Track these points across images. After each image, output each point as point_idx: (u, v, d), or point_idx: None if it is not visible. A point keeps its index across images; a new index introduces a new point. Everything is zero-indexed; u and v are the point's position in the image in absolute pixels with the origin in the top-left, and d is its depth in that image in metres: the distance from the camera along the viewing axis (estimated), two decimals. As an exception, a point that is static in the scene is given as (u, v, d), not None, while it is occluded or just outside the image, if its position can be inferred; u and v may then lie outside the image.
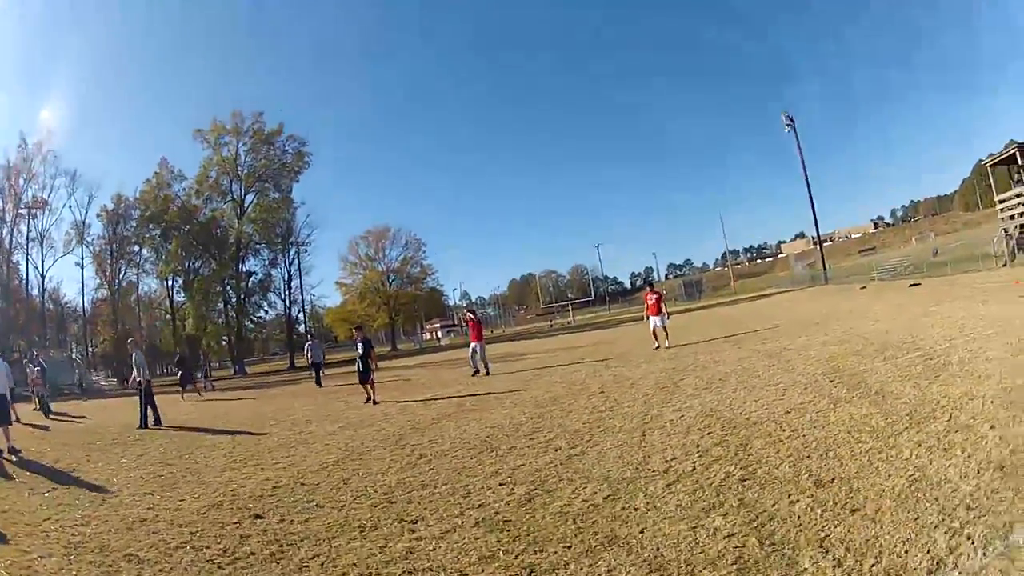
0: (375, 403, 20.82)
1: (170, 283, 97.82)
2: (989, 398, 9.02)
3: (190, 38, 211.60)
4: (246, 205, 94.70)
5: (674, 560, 5.49)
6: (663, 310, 27.10)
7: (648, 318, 27.63)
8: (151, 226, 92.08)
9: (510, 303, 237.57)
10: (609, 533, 6.31)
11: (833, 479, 6.81)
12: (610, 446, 9.97)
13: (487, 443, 11.68)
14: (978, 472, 6.32)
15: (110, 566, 7.23)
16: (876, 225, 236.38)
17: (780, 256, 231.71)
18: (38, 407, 30.09)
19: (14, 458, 15.97)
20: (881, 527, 5.45)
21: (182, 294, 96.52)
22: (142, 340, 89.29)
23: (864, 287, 51.94)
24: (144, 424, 20.61)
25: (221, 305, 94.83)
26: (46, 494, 11.69)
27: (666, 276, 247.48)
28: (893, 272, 61.87)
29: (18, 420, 25.33)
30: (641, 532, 6.20)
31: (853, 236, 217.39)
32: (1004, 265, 40.72)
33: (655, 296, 27.57)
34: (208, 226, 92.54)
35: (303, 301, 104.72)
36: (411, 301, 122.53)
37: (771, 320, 32.75)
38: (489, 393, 19.58)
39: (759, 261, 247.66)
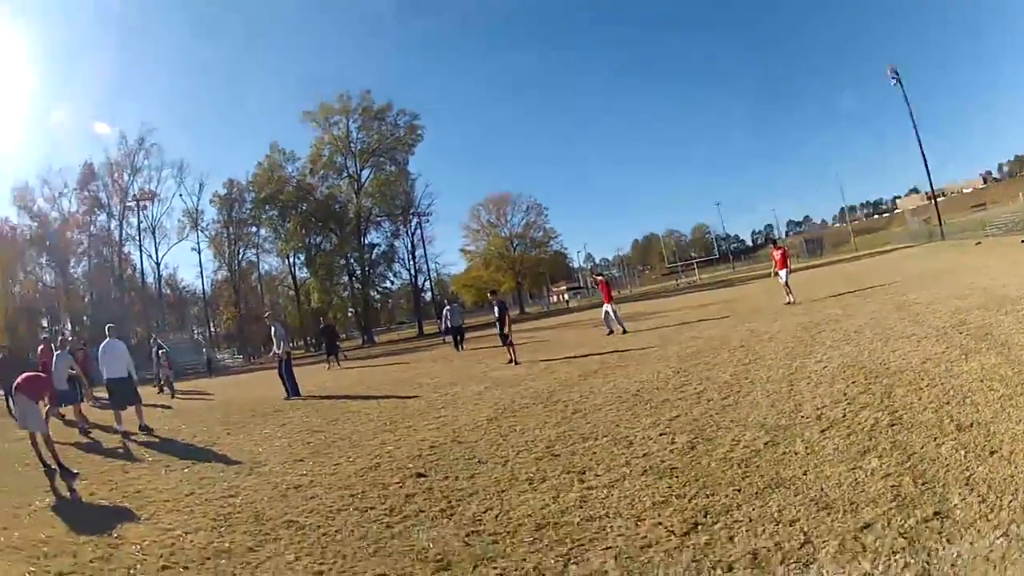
0: (516, 363, 21.15)
1: (291, 260, 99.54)
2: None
3: (287, 23, 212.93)
4: (363, 180, 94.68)
5: (838, 499, 5.68)
6: (788, 265, 27.48)
7: (776, 273, 28.01)
8: (268, 207, 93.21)
9: (634, 263, 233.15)
10: (774, 476, 6.45)
11: (972, 424, 7.00)
12: (760, 396, 10.09)
13: (638, 396, 11.78)
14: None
15: (267, 534, 7.11)
16: (985, 180, 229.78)
17: (896, 212, 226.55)
18: (161, 390, 30.27)
19: (146, 437, 15.70)
20: (1017, 467, 5.70)
21: (304, 270, 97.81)
22: (278, 314, 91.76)
23: (979, 243, 51.10)
24: (291, 395, 20.77)
25: (346, 278, 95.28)
26: (185, 470, 11.35)
27: (786, 233, 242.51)
28: (1005, 228, 60.35)
29: (169, 391, 27.09)
30: (804, 474, 6.37)
31: (965, 191, 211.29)
32: None
33: (780, 252, 28.16)
34: (326, 203, 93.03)
35: (428, 269, 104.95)
36: (536, 265, 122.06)
37: (893, 275, 32.26)
38: (629, 350, 19.77)
39: (875, 217, 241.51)
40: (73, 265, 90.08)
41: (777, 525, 5.38)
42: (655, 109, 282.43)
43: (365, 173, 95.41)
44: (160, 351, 32.18)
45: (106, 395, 17.55)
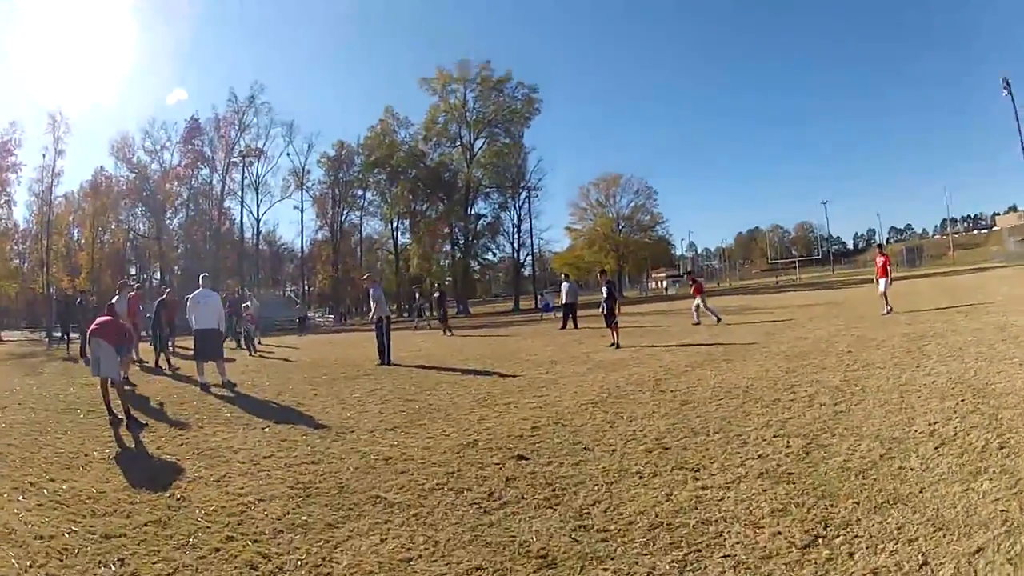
0: (618, 347, 20.92)
1: (395, 225, 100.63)
2: None
3: None
4: (475, 150, 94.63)
5: (953, 520, 5.48)
6: (889, 274, 27.00)
7: (877, 280, 27.48)
8: (376, 171, 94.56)
9: (735, 256, 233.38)
10: (892, 491, 6.23)
11: None
12: (872, 405, 9.83)
13: (748, 393, 11.52)
14: None
15: (351, 509, 6.80)
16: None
17: (994, 229, 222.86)
18: (239, 345, 30.47)
19: (231, 393, 15.47)
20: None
21: (407, 235, 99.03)
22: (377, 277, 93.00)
23: None
24: (386, 360, 20.49)
25: (448, 246, 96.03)
26: (265, 430, 11.10)
27: (888, 240, 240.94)
28: None
29: (253, 350, 27.14)
30: (921, 491, 6.15)
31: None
32: None
33: (883, 259, 27.39)
34: (436, 170, 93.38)
35: (532, 244, 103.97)
36: (639, 249, 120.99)
37: (993, 295, 31.67)
38: (734, 344, 19.66)
39: (975, 232, 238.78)
40: (169, 216, 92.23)
41: (896, 543, 5.16)
42: (773, 103, 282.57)
43: (478, 143, 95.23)
44: (243, 304, 32.14)
45: (192, 345, 17.42)
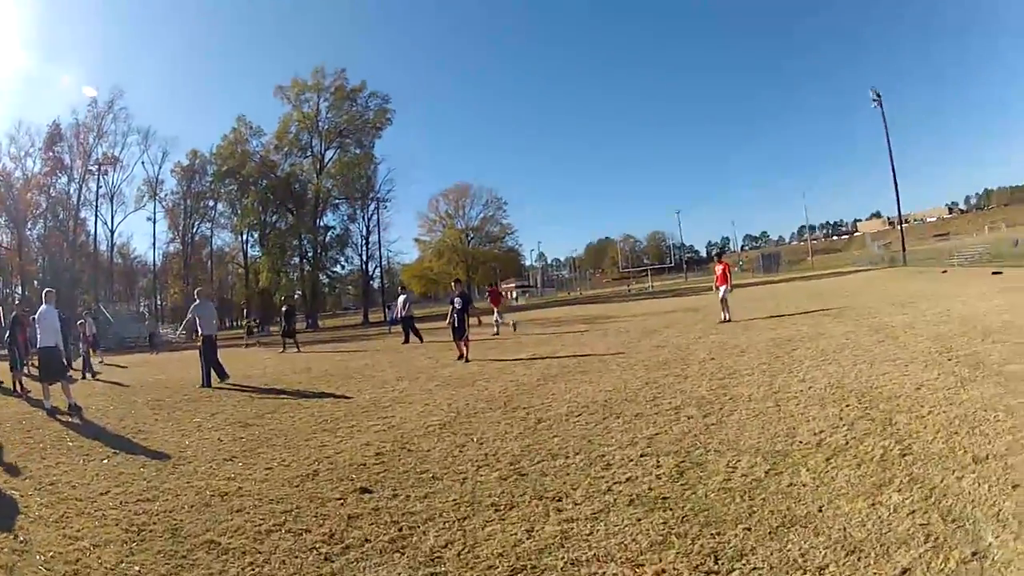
0: (467, 361, 20.03)
1: (245, 237, 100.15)
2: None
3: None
4: (326, 161, 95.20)
5: (866, 540, 5.03)
6: (729, 281, 27.02)
7: (717, 288, 27.41)
8: (228, 181, 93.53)
9: (586, 266, 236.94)
10: (786, 512, 5.67)
11: (987, 456, 6.58)
12: (746, 416, 9.35)
13: (608, 408, 10.91)
14: None
15: (184, 557, 5.93)
16: (950, 210, 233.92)
17: (855, 235, 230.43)
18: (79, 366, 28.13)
19: (76, 419, 14.44)
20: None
21: (257, 248, 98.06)
22: (212, 292, 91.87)
23: (945, 271, 51.69)
24: (207, 383, 19.07)
25: (297, 259, 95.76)
26: (104, 461, 10.24)
27: (742, 247, 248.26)
28: (971, 259, 60.84)
29: (89, 374, 25.50)
30: (820, 510, 5.62)
31: (928, 220, 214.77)
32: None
33: (722, 267, 27.75)
34: (287, 181, 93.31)
35: (380, 256, 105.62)
36: (489, 260, 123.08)
37: (859, 296, 32.20)
38: (591, 355, 18.96)
39: (835, 238, 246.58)
40: (29, 227, 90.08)
41: (804, 574, 4.65)
42: (623, 116, 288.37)
43: (329, 153, 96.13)
44: (80, 322, 30.03)
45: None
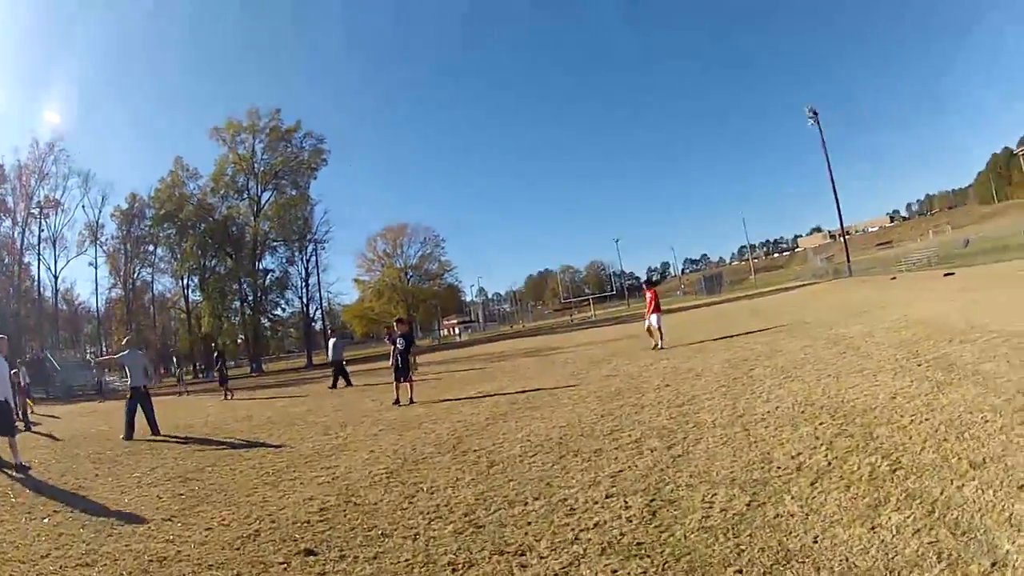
0: (412, 402, 19.41)
1: (185, 282, 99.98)
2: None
3: (203, 38, 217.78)
4: (263, 203, 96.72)
5: (872, 568, 4.64)
6: (659, 308, 26.67)
7: (648, 316, 26.92)
8: (166, 225, 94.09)
9: (527, 299, 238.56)
10: (778, 547, 5.19)
11: (984, 460, 6.38)
12: (714, 444, 8.91)
13: (564, 445, 10.40)
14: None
15: None
16: (892, 219, 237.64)
17: (797, 250, 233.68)
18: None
19: (22, 476, 13.88)
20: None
21: (198, 293, 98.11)
22: (154, 339, 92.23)
23: (894, 277, 52.98)
24: (130, 435, 18.39)
25: (237, 303, 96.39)
26: (46, 520, 9.77)
27: (683, 271, 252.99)
28: (919, 263, 61.58)
29: (28, 428, 24.34)
30: (815, 542, 5.18)
31: (870, 230, 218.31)
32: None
33: (651, 293, 27.14)
34: (224, 224, 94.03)
35: (321, 298, 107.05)
36: (429, 297, 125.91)
37: (809, 310, 32.72)
38: (539, 389, 18.27)
39: (775, 256, 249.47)
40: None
41: None
42: (555, 147, 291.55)
43: (265, 195, 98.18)
44: (14, 371, 28.73)
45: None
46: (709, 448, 8.68)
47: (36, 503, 11.05)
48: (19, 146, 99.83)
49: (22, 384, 28.09)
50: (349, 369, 33.26)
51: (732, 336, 25.23)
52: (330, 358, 33.32)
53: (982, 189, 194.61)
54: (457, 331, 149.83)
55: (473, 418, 14.72)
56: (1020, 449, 6.37)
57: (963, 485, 5.73)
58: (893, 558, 4.64)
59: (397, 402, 19.67)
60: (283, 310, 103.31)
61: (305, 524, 8.04)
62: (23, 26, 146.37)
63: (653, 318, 25.99)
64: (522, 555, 5.98)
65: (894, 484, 6.08)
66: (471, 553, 6.21)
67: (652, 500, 6.90)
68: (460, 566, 5.93)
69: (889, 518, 5.31)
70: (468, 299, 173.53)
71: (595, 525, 6.44)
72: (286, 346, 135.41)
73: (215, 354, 39.43)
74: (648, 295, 27.09)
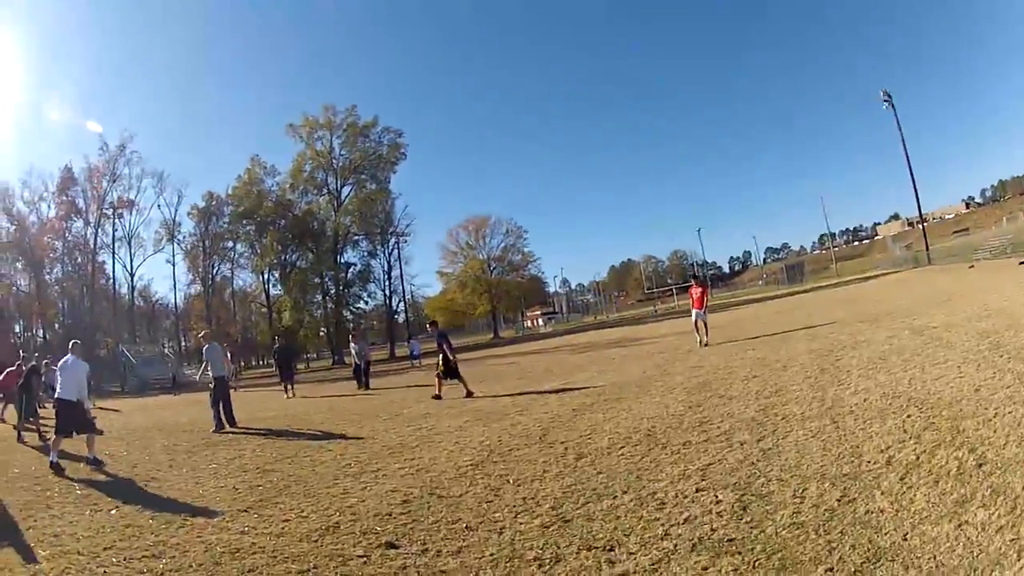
0: (469, 395, 19.58)
1: (266, 276, 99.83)
2: None
3: (276, 35, 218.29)
4: (343, 197, 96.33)
5: (958, 567, 4.50)
6: (705, 304, 26.67)
7: (692, 312, 26.87)
8: (245, 222, 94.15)
9: (610, 289, 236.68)
10: (868, 545, 5.01)
11: None
12: (804, 437, 8.67)
13: (652, 437, 10.19)
14: None
15: None
16: (968, 205, 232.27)
17: (876, 238, 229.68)
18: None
19: (93, 469, 13.72)
20: None
21: (279, 287, 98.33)
22: (235, 332, 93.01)
23: (972, 266, 51.83)
24: (219, 427, 18.50)
25: (319, 297, 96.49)
26: (112, 512, 9.64)
27: (764, 260, 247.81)
28: (996, 251, 60.31)
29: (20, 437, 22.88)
30: (905, 539, 5.01)
31: (946, 217, 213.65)
32: None
33: (700, 290, 27.18)
34: (304, 219, 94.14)
35: (403, 291, 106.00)
36: (513, 289, 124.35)
37: (892, 300, 31.71)
38: (625, 380, 18.11)
39: (855, 244, 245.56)
40: (47, 271, 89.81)
41: None
42: (639, 135, 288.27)
43: (345, 190, 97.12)
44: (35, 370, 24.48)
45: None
46: (799, 441, 8.47)
47: (102, 496, 10.91)
48: (89, 151, 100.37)
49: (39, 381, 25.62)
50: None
51: (815, 326, 24.83)
52: (355, 362, 32.65)
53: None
54: (541, 322, 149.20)
55: (560, 409, 14.55)
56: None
57: None
58: (977, 556, 4.51)
59: (438, 396, 20.01)
60: (365, 303, 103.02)
61: (387, 516, 7.91)
62: (102, 29, 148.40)
63: (698, 313, 26.02)
64: (611, 551, 5.81)
65: (979, 480, 5.85)
66: (558, 548, 6.06)
67: (743, 495, 6.71)
68: (547, 561, 5.79)
69: (975, 515, 5.12)
70: (551, 290, 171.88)
71: (685, 520, 6.27)
72: (369, 338, 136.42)
73: (275, 347, 38.83)
74: (697, 291, 27.20)
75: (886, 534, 5.12)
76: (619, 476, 8.23)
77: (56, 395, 14.86)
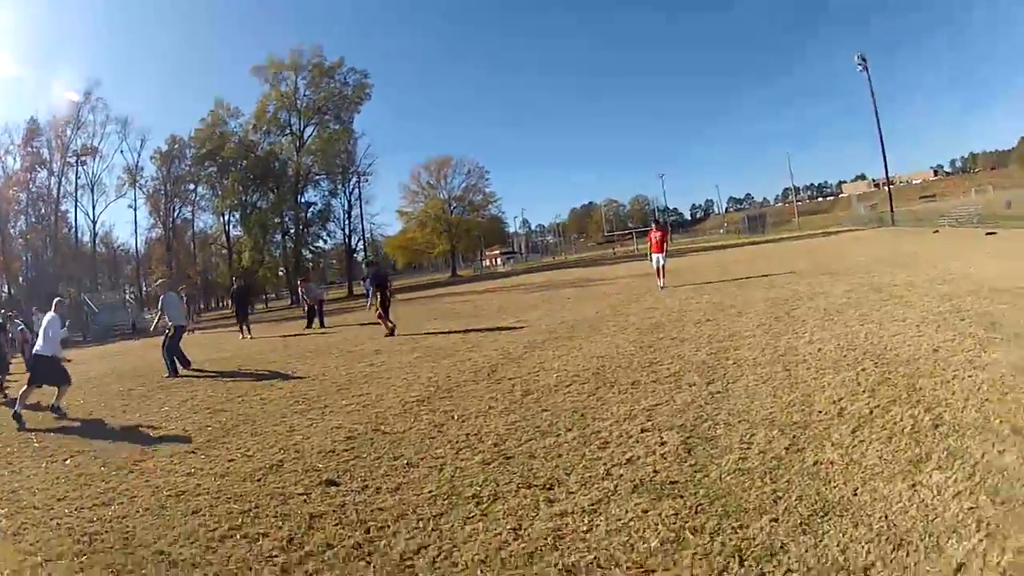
0: (392, 335, 20.55)
1: (227, 218, 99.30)
2: None
3: None
4: (305, 138, 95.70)
5: (912, 530, 4.35)
6: (665, 248, 27.11)
7: (651, 256, 27.24)
8: (207, 163, 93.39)
9: (570, 231, 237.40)
10: (816, 497, 4.95)
11: None
12: (755, 382, 8.68)
13: (600, 376, 10.22)
14: None
15: (131, 572, 5.27)
16: (936, 173, 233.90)
17: (841, 196, 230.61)
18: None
19: (53, 418, 13.68)
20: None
21: (239, 228, 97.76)
22: (195, 275, 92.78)
23: (937, 231, 51.46)
24: (173, 372, 18.44)
25: (279, 237, 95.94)
26: (67, 462, 9.59)
27: (726, 209, 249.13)
28: (962, 219, 60.49)
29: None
30: (855, 494, 4.93)
31: (914, 182, 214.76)
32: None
33: (660, 233, 27.48)
34: (266, 160, 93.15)
35: (363, 230, 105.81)
36: (472, 229, 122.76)
37: (853, 256, 31.39)
38: (579, 320, 18.42)
39: (819, 200, 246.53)
40: (12, 224, 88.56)
41: None
42: (603, 78, 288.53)
43: (308, 130, 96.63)
44: (19, 328, 26.89)
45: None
46: (749, 387, 8.47)
47: (58, 445, 10.92)
48: (55, 99, 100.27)
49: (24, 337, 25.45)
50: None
51: (774, 275, 24.98)
52: (306, 303, 33.06)
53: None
54: (499, 262, 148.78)
55: (510, 347, 14.73)
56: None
57: (1004, 451, 5.37)
58: (932, 520, 4.40)
59: (391, 334, 20.64)
60: (325, 241, 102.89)
61: (330, 454, 7.95)
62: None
63: (659, 257, 26.28)
64: (550, 489, 5.82)
65: (936, 441, 5.78)
66: (497, 486, 6.06)
67: (688, 437, 6.71)
68: (485, 499, 5.78)
69: (930, 476, 5.05)
70: (512, 231, 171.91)
71: (628, 460, 6.27)
72: (328, 278, 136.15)
73: (232, 289, 38.51)
74: (656, 234, 27.15)
75: (835, 487, 5.06)
76: (564, 414, 8.27)
77: (35, 350, 14.97)
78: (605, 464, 6.24)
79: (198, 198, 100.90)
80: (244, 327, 31.58)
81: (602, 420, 7.76)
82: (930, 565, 3.87)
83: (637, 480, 5.71)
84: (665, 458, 6.17)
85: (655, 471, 5.87)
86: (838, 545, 4.22)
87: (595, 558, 4.49)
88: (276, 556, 5.19)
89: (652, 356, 11.32)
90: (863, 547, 4.16)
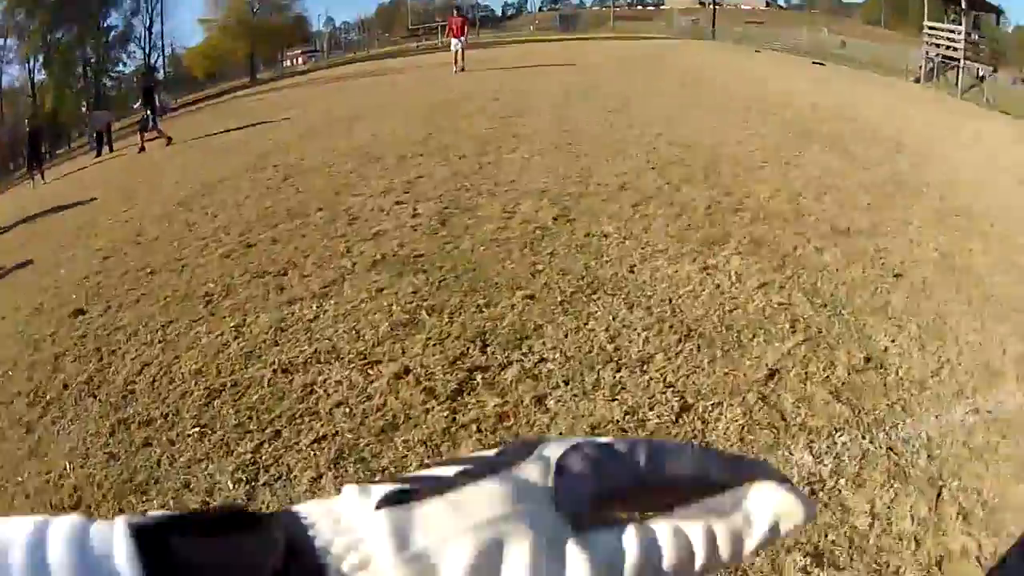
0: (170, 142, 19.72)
1: (32, 65, 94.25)
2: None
3: None
4: None
5: (704, 318, 4.07)
6: (465, 34, 27.39)
7: (451, 41, 27.43)
8: (16, 11, 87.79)
9: (376, 27, 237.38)
10: (584, 273, 4.64)
11: (849, 230, 5.79)
12: (531, 154, 8.53)
13: (367, 154, 9.83)
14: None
15: None
16: (768, 4, 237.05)
17: (663, 7, 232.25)
18: None
19: None
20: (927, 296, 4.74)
21: (43, 73, 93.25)
22: (3, 134, 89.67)
23: (758, 51, 51.42)
24: None
25: (80, 70, 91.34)
26: None
27: (540, 8, 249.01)
28: (790, 48, 61.22)
29: None
30: (632, 272, 4.64)
31: (743, 7, 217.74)
32: (916, 81, 40.44)
33: (460, 20, 28.27)
34: None
35: (163, 46, 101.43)
36: (276, 31, 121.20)
37: (668, 60, 29.98)
38: (367, 105, 17.34)
39: (640, 8, 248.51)
40: None
41: (617, 371, 3.58)
42: None
43: None
44: None
45: None
46: (524, 158, 8.25)
47: None
48: None
49: None
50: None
51: (576, 65, 24.37)
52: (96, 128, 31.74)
53: (872, 10, 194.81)
54: (300, 61, 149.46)
55: (286, 136, 13.89)
56: (893, 234, 5.70)
57: (823, 249, 5.15)
58: (731, 311, 4.08)
59: (142, 149, 20.61)
60: (125, 64, 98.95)
61: (85, 279, 7.23)
62: None
63: (455, 42, 26.45)
64: (284, 275, 5.49)
65: (738, 226, 5.54)
66: (231, 279, 5.69)
67: (445, 208, 6.43)
68: (216, 296, 5.44)
69: (728, 261, 4.78)
70: (315, 29, 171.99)
71: (374, 235, 5.97)
72: (131, 105, 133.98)
73: (29, 131, 37.09)
74: (457, 21, 28.05)
75: (608, 264, 4.75)
76: (318, 194, 7.95)
77: None
78: (347, 241, 5.95)
79: (6, 52, 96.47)
80: (36, 173, 29.40)
81: (357, 196, 7.50)
82: (730, 364, 3.47)
83: (378, 256, 5.43)
84: (415, 230, 5.90)
85: (400, 244, 5.59)
86: (607, 330, 3.86)
87: (315, 351, 4.13)
88: (24, 416, 4.54)
89: (428, 133, 10.92)
90: (639, 334, 3.81)
